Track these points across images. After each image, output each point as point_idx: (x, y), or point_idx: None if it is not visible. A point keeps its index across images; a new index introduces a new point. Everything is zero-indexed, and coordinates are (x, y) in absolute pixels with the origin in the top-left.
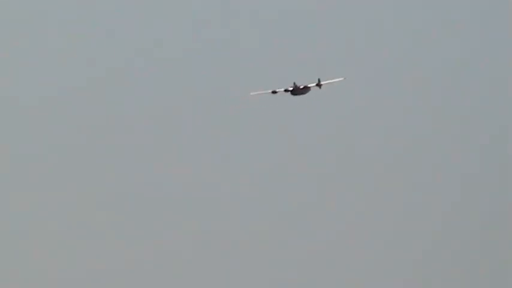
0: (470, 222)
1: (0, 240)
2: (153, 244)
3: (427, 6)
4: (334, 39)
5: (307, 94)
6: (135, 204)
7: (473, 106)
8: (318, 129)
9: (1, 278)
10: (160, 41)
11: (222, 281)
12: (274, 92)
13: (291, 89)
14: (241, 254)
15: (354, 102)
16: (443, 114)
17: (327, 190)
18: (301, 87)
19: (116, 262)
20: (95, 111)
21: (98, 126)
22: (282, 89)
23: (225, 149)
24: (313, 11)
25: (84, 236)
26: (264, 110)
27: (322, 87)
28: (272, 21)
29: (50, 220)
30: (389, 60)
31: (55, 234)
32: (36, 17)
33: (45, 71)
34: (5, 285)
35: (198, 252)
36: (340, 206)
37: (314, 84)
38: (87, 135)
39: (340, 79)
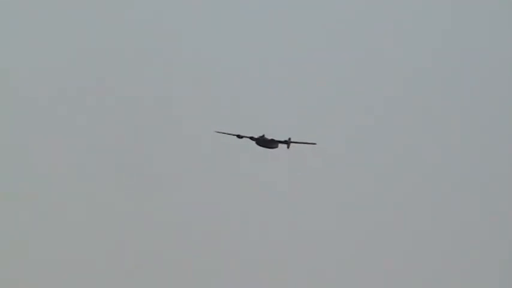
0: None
1: None
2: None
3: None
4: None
5: (273, 149)
6: None
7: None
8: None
9: None
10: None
11: None
12: (239, 137)
13: (257, 138)
14: None
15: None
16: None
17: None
18: (269, 139)
19: None
20: None
21: None
22: (248, 136)
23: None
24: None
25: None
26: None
27: (290, 146)
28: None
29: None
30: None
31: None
32: None
33: None
34: None
35: None
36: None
37: (283, 141)
38: None
39: (313, 143)
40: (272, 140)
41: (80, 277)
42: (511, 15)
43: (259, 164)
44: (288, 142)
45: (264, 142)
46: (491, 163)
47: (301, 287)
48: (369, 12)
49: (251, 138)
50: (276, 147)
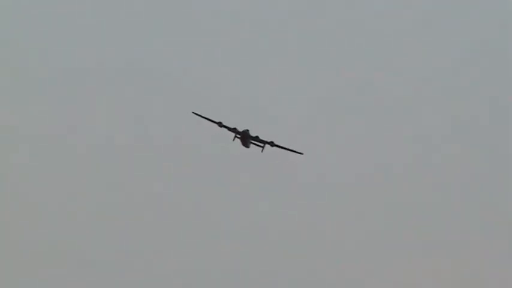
0: None
1: None
2: None
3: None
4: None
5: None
6: None
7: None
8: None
9: None
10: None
11: None
12: (220, 125)
13: (241, 131)
14: None
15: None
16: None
17: None
18: (253, 136)
19: None
20: None
21: None
22: (231, 127)
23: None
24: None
25: None
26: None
27: (273, 148)
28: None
29: None
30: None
31: None
32: None
33: None
34: None
35: None
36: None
37: (266, 143)
38: None
39: (300, 153)
40: (257, 137)
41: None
42: None
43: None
44: (263, 144)
45: (247, 139)
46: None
47: None
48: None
49: (234, 130)
50: (262, 146)
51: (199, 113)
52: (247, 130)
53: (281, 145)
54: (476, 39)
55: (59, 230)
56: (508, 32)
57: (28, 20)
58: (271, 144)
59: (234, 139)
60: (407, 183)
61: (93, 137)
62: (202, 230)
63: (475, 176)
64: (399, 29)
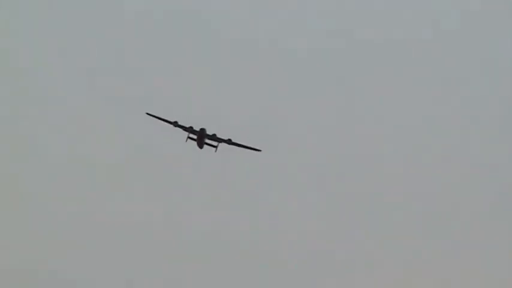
0: None
1: None
2: None
3: None
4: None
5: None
6: None
7: None
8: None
9: None
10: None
11: None
12: (175, 125)
13: (197, 131)
14: None
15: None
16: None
17: None
18: (210, 134)
19: None
20: None
21: None
22: (187, 126)
23: None
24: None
25: None
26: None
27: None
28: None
29: None
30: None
31: None
32: None
33: None
34: None
35: None
36: None
37: (223, 141)
38: None
39: (258, 150)
40: (214, 135)
41: None
42: None
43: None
44: (217, 144)
45: (202, 138)
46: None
47: None
48: None
49: (189, 129)
50: (215, 146)
51: (152, 114)
52: (204, 129)
53: (239, 142)
54: None
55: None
56: None
57: None
58: (229, 142)
59: (186, 140)
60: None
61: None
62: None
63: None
64: None
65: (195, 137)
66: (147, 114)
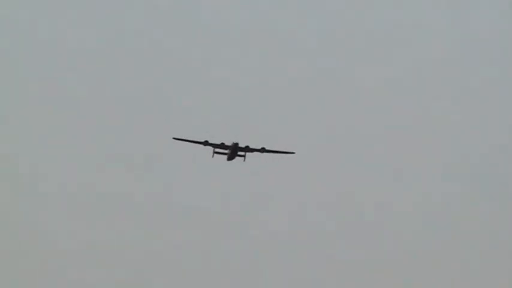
0: None
1: None
2: None
3: None
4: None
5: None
6: None
7: None
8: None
9: None
10: None
11: None
12: (206, 144)
13: (231, 146)
14: None
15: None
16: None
17: None
18: (243, 147)
19: None
20: None
21: None
22: (218, 142)
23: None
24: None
25: None
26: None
27: (265, 154)
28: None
29: None
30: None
31: None
32: None
33: None
34: None
35: None
36: None
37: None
38: None
39: (292, 152)
40: (247, 147)
41: None
42: None
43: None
44: (244, 151)
45: (235, 151)
46: None
47: None
48: None
49: (222, 146)
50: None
51: (180, 137)
52: (237, 143)
53: (272, 149)
54: None
55: None
56: None
57: None
58: (262, 150)
59: (213, 155)
60: None
61: None
62: None
63: None
64: None
65: (224, 151)
66: (174, 138)
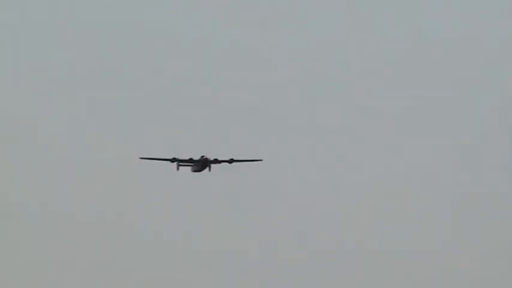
0: None
1: None
2: None
3: None
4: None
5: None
6: None
7: None
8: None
9: None
10: None
11: None
12: (174, 161)
13: (198, 160)
14: None
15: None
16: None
17: None
18: (211, 159)
19: None
20: None
21: None
22: (186, 158)
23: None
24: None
25: None
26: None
27: (233, 164)
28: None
29: None
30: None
31: None
32: None
33: None
34: None
35: None
36: None
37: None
38: None
39: (259, 159)
40: (216, 160)
41: None
42: None
43: None
44: (210, 162)
45: (205, 165)
46: None
47: None
48: None
49: (190, 160)
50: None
51: (146, 156)
52: (206, 157)
53: (240, 159)
54: None
55: None
56: None
57: None
58: (231, 161)
59: (178, 168)
60: None
61: None
62: None
63: None
64: None
65: (188, 163)
66: (141, 158)
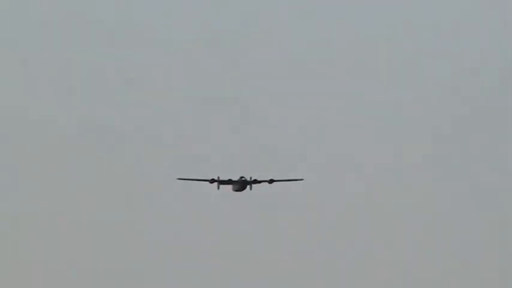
0: None
1: None
2: None
3: None
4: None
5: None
6: None
7: None
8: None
9: None
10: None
11: None
12: (213, 182)
13: (237, 181)
14: None
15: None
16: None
17: None
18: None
19: None
20: None
21: None
22: (225, 179)
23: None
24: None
25: None
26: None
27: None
28: None
29: None
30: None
31: None
32: None
33: None
34: None
35: None
36: None
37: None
38: None
39: (300, 179)
40: (255, 180)
41: None
42: None
43: None
44: (248, 183)
45: (244, 187)
46: None
47: None
48: None
49: (230, 181)
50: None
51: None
52: (244, 178)
53: (280, 178)
54: None
55: None
56: None
57: None
58: (271, 181)
59: (218, 187)
60: None
61: None
62: None
63: None
64: None
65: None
66: (179, 179)
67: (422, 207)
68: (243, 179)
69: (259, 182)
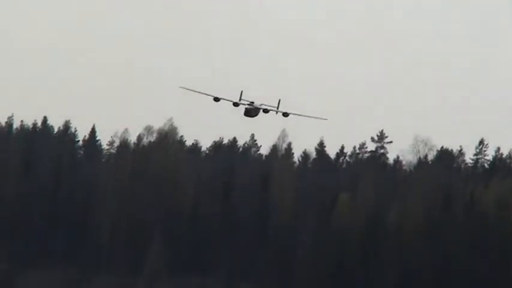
0: None
1: None
2: None
3: None
4: None
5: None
6: None
7: None
8: None
9: None
10: None
11: None
12: (216, 100)
13: (246, 106)
14: None
15: None
16: None
17: None
18: (258, 107)
19: None
20: None
21: None
22: (230, 100)
23: None
24: None
25: None
26: None
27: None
28: None
29: None
30: None
31: None
32: None
33: None
34: None
35: None
36: None
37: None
38: None
39: (324, 118)
40: (266, 109)
41: None
42: None
43: None
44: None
45: (253, 112)
46: None
47: None
48: None
49: (235, 104)
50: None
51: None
52: (252, 103)
53: (299, 113)
54: None
55: None
56: None
57: None
58: (286, 114)
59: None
60: None
61: None
62: None
63: None
64: None
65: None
66: (181, 87)
67: None
68: (252, 103)
69: (273, 111)
